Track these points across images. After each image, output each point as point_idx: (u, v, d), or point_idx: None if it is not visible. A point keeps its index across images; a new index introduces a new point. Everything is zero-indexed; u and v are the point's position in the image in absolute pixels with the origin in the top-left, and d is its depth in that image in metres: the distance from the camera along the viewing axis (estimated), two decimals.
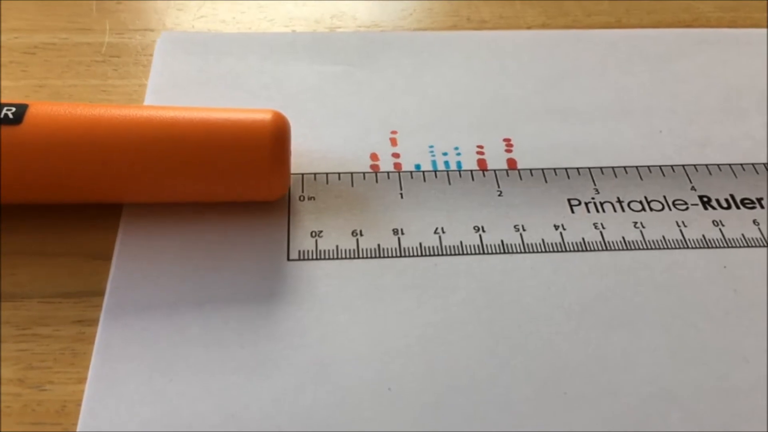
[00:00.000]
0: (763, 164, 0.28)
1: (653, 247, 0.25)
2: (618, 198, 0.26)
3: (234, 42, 0.32)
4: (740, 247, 0.25)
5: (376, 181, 0.27)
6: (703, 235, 0.25)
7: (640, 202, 0.26)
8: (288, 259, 0.24)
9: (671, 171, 0.27)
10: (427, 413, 0.21)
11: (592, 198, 0.26)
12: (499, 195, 0.26)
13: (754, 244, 0.25)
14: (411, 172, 0.27)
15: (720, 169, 0.28)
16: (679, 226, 0.26)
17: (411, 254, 0.25)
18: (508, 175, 0.27)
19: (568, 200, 0.26)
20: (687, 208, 0.26)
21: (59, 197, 0.25)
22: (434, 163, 0.28)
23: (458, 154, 0.28)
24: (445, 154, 0.28)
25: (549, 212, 0.26)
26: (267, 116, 0.24)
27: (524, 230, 0.25)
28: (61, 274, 0.24)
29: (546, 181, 0.27)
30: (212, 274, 0.24)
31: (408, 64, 0.32)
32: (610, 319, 0.23)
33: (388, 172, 0.27)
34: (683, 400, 0.21)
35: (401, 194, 0.26)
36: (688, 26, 0.34)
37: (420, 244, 0.25)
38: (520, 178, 0.27)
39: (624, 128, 0.29)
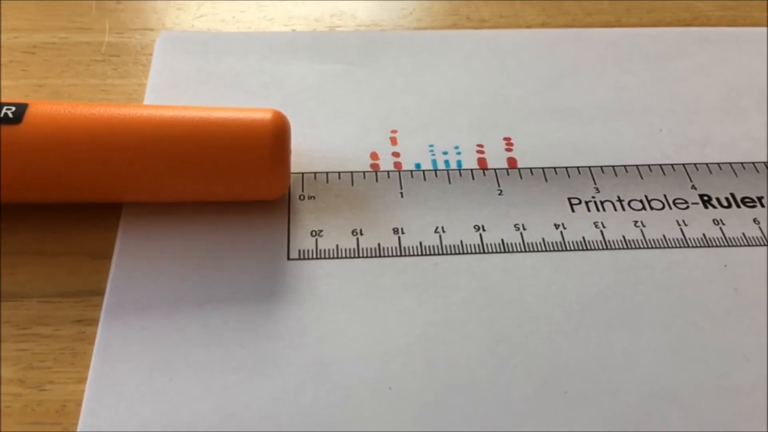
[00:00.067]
0: (764, 163, 0.28)
1: (654, 246, 0.25)
2: (618, 197, 0.26)
3: (234, 41, 0.32)
4: (741, 246, 0.25)
5: (377, 181, 0.27)
6: (704, 234, 0.25)
7: (641, 201, 0.26)
8: (288, 259, 0.24)
9: (671, 170, 0.27)
10: (428, 412, 0.21)
11: (593, 197, 0.26)
12: (500, 194, 0.26)
13: (754, 243, 0.25)
14: (411, 171, 0.27)
15: (720, 168, 0.28)
16: (679, 225, 0.26)
17: (411, 253, 0.24)
18: (508, 174, 0.27)
19: (569, 199, 0.26)
20: (687, 207, 0.26)
21: (59, 197, 0.25)
22: (434, 162, 0.28)
23: (458, 153, 0.28)
24: (445, 153, 0.28)
25: (549, 211, 0.26)
26: (267, 115, 0.24)
27: (524, 229, 0.25)
28: (61, 274, 0.24)
29: (546, 180, 0.27)
30: (212, 273, 0.24)
31: (408, 63, 0.32)
32: (610, 318, 0.23)
33: (388, 172, 0.27)
34: (684, 399, 0.21)
35: (401, 193, 0.26)
36: (688, 25, 0.34)
37: (420, 244, 0.25)
38: (521, 177, 0.27)
39: (624, 127, 0.29)
